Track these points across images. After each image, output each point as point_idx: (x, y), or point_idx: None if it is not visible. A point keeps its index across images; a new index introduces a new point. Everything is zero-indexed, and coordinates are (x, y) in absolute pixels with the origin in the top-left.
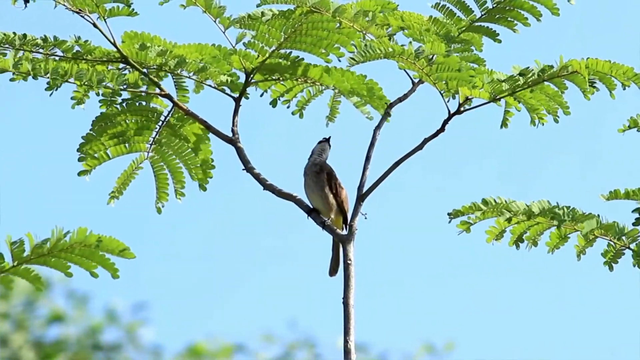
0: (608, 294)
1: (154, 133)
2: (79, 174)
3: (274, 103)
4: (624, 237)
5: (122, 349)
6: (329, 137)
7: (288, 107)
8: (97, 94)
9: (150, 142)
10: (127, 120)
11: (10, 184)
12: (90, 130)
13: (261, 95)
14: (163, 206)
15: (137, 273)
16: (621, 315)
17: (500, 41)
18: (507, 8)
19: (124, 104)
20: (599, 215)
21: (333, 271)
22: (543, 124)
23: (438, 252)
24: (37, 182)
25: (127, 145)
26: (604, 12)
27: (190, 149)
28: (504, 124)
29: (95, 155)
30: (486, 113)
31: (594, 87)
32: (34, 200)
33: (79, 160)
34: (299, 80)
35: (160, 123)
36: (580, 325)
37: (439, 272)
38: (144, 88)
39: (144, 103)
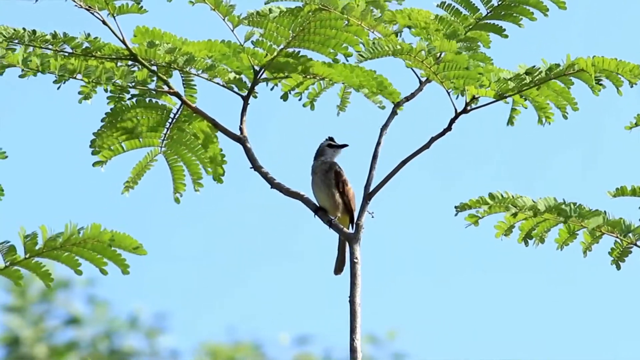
0: (615, 292)
1: (165, 130)
2: (94, 164)
3: (285, 97)
4: (630, 234)
5: (138, 354)
6: (331, 138)
7: (300, 99)
8: (106, 90)
9: (162, 138)
10: (137, 117)
11: (15, 178)
12: (101, 126)
13: (271, 89)
14: (181, 196)
15: (144, 274)
16: (627, 314)
17: (506, 36)
18: (513, 4)
19: (133, 100)
20: (605, 212)
21: (338, 270)
22: (550, 123)
23: (445, 250)
24: (35, 179)
25: (140, 139)
26: (609, 9)
27: (200, 145)
28: (510, 121)
29: (111, 147)
30: (493, 111)
31: (601, 84)
32: (33, 196)
33: (93, 154)
34: (308, 77)
35: (170, 120)
36: (586, 322)
37: (447, 270)
38: (152, 85)
39: (153, 100)
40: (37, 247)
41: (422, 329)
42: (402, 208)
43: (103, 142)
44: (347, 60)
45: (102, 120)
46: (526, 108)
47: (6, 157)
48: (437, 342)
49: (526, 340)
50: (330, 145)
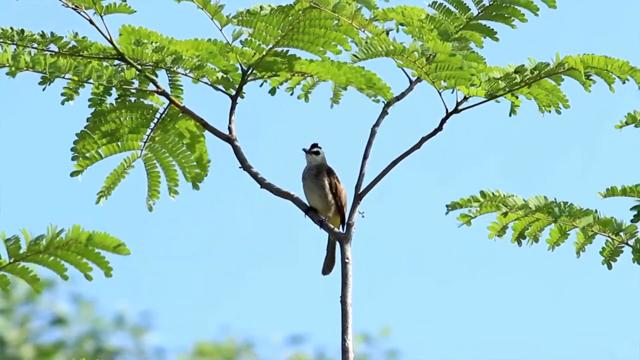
0: (607, 291)
1: (149, 130)
2: (72, 174)
3: (272, 91)
4: (622, 233)
5: (124, 353)
6: (315, 144)
7: (292, 94)
8: (97, 87)
9: (145, 140)
10: (121, 117)
11: (4, 183)
12: (85, 127)
13: (260, 85)
14: (154, 203)
15: (133, 274)
16: (620, 313)
17: (497, 39)
18: (504, 5)
19: (114, 102)
20: (596, 211)
21: (327, 269)
22: (549, 112)
23: (436, 251)
24: (30, 182)
25: (119, 143)
26: (600, 8)
27: (184, 146)
28: (512, 111)
29: (87, 155)
30: (484, 111)
31: (590, 79)
32: (27, 200)
33: (72, 159)
34: (296, 75)
35: (155, 120)
36: (579, 322)
37: (437, 270)
38: (138, 84)
39: (139, 100)
40: (21, 252)
41: (415, 327)
42: (393, 208)
43: (83, 146)
44: (337, 58)
45: (87, 121)
46: (518, 106)
47: None
48: (429, 340)
49: (518, 338)
50: (308, 152)
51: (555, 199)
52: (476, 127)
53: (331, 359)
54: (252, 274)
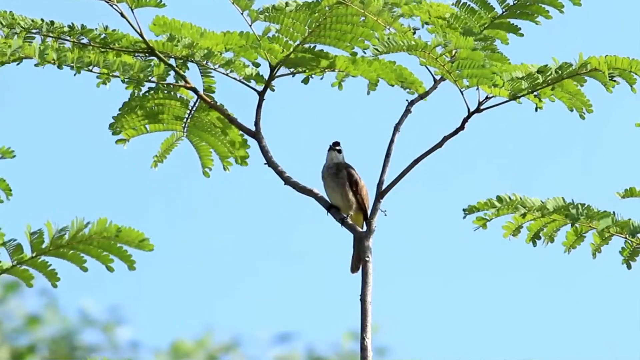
0: (612, 291)
1: (185, 119)
2: (117, 142)
3: (306, 80)
4: (639, 235)
5: (98, 350)
6: (337, 142)
7: (322, 78)
8: (123, 81)
9: (184, 126)
10: (158, 105)
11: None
12: (120, 112)
13: (293, 76)
14: (210, 170)
15: (154, 269)
16: (625, 313)
17: (522, 35)
18: (528, 3)
19: (151, 91)
20: (614, 213)
21: (355, 268)
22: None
23: (457, 249)
24: (30, 177)
25: (164, 124)
26: (623, 7)
27: (220, 132)
28: (538, 107)
29: (134, 127)
30: (507, 111)
31: (615, 81)
32: (25, 197)
33: (114, 134)
34: (325, 71)
35: (188, 112)
36: (583, 322)
37: (458, 269)
38: (170, 78)
39: (171, 93)
40: (43, 246)
41: (427, 325)
42: (414, 206)
43: (123, 125)
44: (365, 53)
45: (119, 109)
46: (541, 108)
47: (14, 156)
48: (438, 340)
49: (529, 339)
50: (330, 149)
51: (572, 200)
52: (495, 124)
53: (321, 357)
54: (272, 271)
